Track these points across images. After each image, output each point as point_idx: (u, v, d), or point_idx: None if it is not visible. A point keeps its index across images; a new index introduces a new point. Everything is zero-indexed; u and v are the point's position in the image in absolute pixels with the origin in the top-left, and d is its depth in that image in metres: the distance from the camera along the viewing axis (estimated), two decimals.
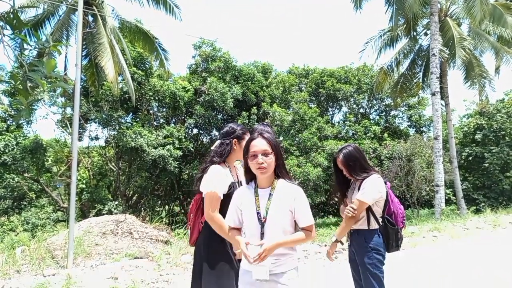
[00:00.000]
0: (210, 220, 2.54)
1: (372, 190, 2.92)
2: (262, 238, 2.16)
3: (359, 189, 3.01)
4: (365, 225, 2.99)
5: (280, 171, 2.27)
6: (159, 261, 5.81)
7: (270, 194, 2.22)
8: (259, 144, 2.21)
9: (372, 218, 2.98)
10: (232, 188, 2.67)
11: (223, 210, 2.55)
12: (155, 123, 17.44)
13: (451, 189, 16.67)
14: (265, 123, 3.24)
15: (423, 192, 15.05)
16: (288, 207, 2.19)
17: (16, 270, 5.26)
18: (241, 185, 2.87)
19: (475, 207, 15.81)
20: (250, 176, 2.32)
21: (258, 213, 2.20)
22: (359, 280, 3.08)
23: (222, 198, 2.59)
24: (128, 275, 5.14)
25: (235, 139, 2.81)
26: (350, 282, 3.21)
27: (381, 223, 2.98)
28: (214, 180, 2.58)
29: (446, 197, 14.93)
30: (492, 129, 17.65)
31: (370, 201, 2.92)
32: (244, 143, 2.67)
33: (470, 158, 18.15)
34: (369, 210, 2.98)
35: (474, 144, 18.41)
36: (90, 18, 12.88)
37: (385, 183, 3.07)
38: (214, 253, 2.60)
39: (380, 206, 3.00)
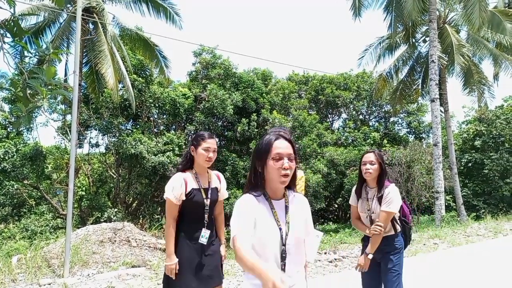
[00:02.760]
0: (166, 224, 2.78)
1: (397, 200, 3.06)
2: (283, 256, 1.81)
3: (378, 199, 3.10)
4: (392, 231, 3.16)
5: (292, 180, 1.93)
6: (157, 270, 5.77)
7: (286, 206, 1.88)
8: (283, 146, 1.80)
9: (396, 223, 3.18)
10: (191, 194, 2.77)
11: (184, 214, 2.81)
12: (155, 130, 17.46)
13: (451, 196, 16.63)
14: (283, 127, 3.36)
15: (423, 199, 15.01)
16: (304, 219, 1.95)
17: (11, 279, 5.22)
18: (214, 192, 2.94)
19: (475, 214, 15.75)
20: (257, 185, 1.88)
21: (280, 229, 1.82)
22: (375, 285, 3.20)
23: (178, 203, 2.75)
24: (124, 284, 5.10)
25: (192, 146, 2.86)
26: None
27: (400, 225, 3.22)
28: (169, 187, 2.74)
29: (446, 204, 14.88)
30: (491, 136, 17.64)
31: (396, 210, 3.08)
32: (200, 148, 2.77)
33: (470, 164, 18.12)
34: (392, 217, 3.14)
35: (474, 151, 18.40)
36: (91, 26, 12.95)
37: None
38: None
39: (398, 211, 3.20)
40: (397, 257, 3.08)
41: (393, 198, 3.02)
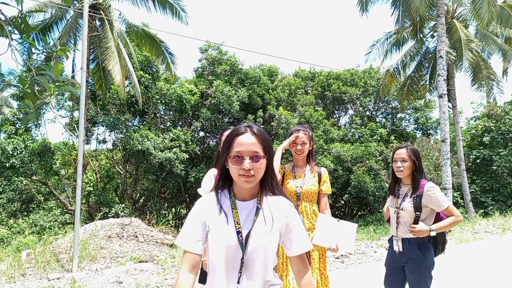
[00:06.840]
0: None
1: (441, 195, 2.87)
2: (241, 267, 1.56)
3: (413, 199, 2.90)
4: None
5: (269, 183, 1.66)
6: (164, 265, 5.81)
7: (257, 208, 1.61)
8: (247, 143, 1.56)
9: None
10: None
11: None
12: (161, 126, 17.51)
13: (458, 192, 16.50)
14: (304, 125, 3.32)
15: None
16: (280, 226, 1.62)
17: (21, 274, 5.30)
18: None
19: (483, 211, 15.63)
20: (224, 182, 1.69)
21: (238, 232, 1.56)
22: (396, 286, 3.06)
23: None
24: (132, 279, 5.15)
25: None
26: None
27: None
28: (203, 183, 2.79)
29: (454, 200, 14.80)
30: (500, 132, 17.45)
31: (448, 202, 2.89)
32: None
33: (478, 160, 17.96)
34: (419, 220, 2.89)
35: (482, 147, 18.22)
36: (98, 23, 13.01)
37: None
38: None
39: (432, 214, 2.95)
40: (423, 265, 2.85)
41: (437, 196, 2.84)
